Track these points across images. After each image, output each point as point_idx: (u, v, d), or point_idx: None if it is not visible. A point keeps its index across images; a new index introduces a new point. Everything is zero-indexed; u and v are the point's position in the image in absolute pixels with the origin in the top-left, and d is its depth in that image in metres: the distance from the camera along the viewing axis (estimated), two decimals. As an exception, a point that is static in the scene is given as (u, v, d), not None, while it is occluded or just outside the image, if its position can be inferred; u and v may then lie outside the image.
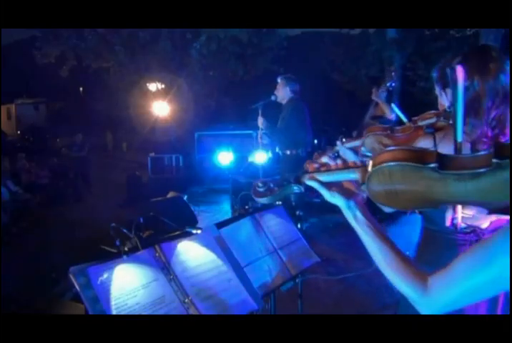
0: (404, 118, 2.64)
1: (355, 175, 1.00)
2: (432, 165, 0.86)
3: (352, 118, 6.22)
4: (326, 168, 1.06)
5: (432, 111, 1.75)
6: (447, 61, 1.67)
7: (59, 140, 15.12)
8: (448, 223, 1.48)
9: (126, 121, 17.48)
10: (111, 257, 1.50)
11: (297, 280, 2.21)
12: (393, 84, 5.26)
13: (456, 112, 1.02)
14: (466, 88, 1.49)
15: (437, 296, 0.87)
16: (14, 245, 5.98)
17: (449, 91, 1.61)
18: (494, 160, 0.82)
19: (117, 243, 1.54)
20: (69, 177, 9.83)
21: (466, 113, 1.49)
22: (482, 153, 0.86)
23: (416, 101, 12.44)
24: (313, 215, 6.21)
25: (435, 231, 1.61)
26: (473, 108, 1.48)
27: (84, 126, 18.30)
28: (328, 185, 1.06)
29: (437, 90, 1.73)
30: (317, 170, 1.08)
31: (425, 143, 1.58)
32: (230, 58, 13.97)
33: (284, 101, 4.99)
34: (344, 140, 2.13)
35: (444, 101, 1.67)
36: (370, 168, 0.94)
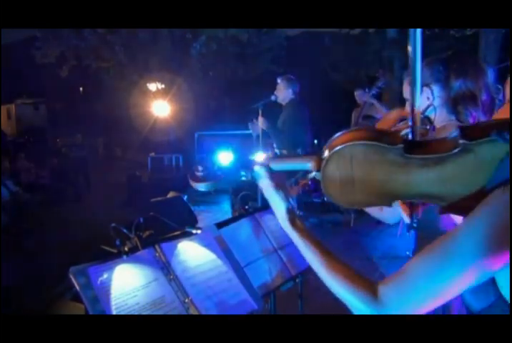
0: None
1: (309, 163, 0.91)
2: (397, 146, 0.81)
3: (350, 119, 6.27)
4: (280, 157, 1.01)
5: (406, 121, 1.72)
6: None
7: (59, 140, 15.13)
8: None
9: (126, 121, 17.48)
10: (111, 257, 1.50)
11: (297, 280, 2.21)
12: (383, 85, 5.44)
13: (414, 81, 0.94)
14: (459, 86, 1.53)
15: (391, 305, 0.80)
16: (14, 245, 5.98)
17: (433, 86, 1.60)
18: (461, 141, 0.77)
19: (117, 243, 1.54)
20: (69, 177, 9.82)
21: (461, 103, 1.51)
22: (449, 136, 0.81)
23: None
24: (313, 215, 6.21)
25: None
26: (471, 99, 1.51)
27: (84, 126, 18.28)
28: (274, 177, 0.97)
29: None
30: (270, 157, 1.00)
31: None
32: (230, 58, 13.97)
33: (284, 102, 4.99)
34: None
35: (423, 100, 1.63)
36: (326, 153, 0.86)
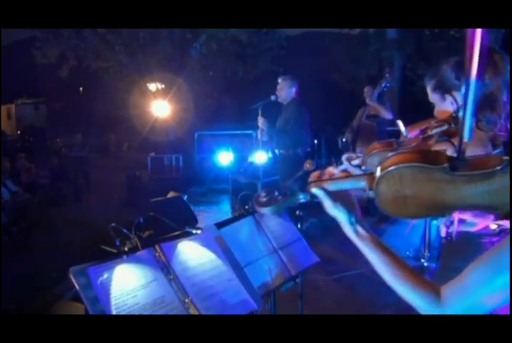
0: (404, 133, 2.60)
1: (362, 182, 0.98)
2: (443, 166, 0.85)
3: (352, 118, 6.24)
4: (333, 177, 1.05)
5: (438, 119, 1.70)
6: (441, 66, 1.65)
7: (59, 140, 15.14)
8: (443, 233, 1.43)
9: (126, 121, 17.49)
10: (111, 257, 1.50)
11: (297, 280, 2.21)
12: (388, 85, 5.38)
13: (466, 112, 0.96)
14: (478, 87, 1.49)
15: (453, 306, 0.85)
16: (14, 245, 5.98)
17: (456, 94, 1.58)
18: (505, 157, 0.81)
19: (117, 243, 1.54)
20: (69, 177, 9.82)
21: (480, 110, 1.49)
22: (493, 153, 0.86)
23: (416, 100, 12.46)
24: (313, 215, 6.21)
25: (462, 236, 1.54)
26: (488, 104, 1.47)
27: (84, 126, 18.31)
28: (333, 195, 1.03)
29: (437, 97, 1.69)
30: (324, 178, 1.06)
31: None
32: (230, 58, 13.97)
33: (285, 102, 4.98)
34: (347, 157, 2.02)
35: (448, 106, 1.63)
36: (378, 174, 0.92)
